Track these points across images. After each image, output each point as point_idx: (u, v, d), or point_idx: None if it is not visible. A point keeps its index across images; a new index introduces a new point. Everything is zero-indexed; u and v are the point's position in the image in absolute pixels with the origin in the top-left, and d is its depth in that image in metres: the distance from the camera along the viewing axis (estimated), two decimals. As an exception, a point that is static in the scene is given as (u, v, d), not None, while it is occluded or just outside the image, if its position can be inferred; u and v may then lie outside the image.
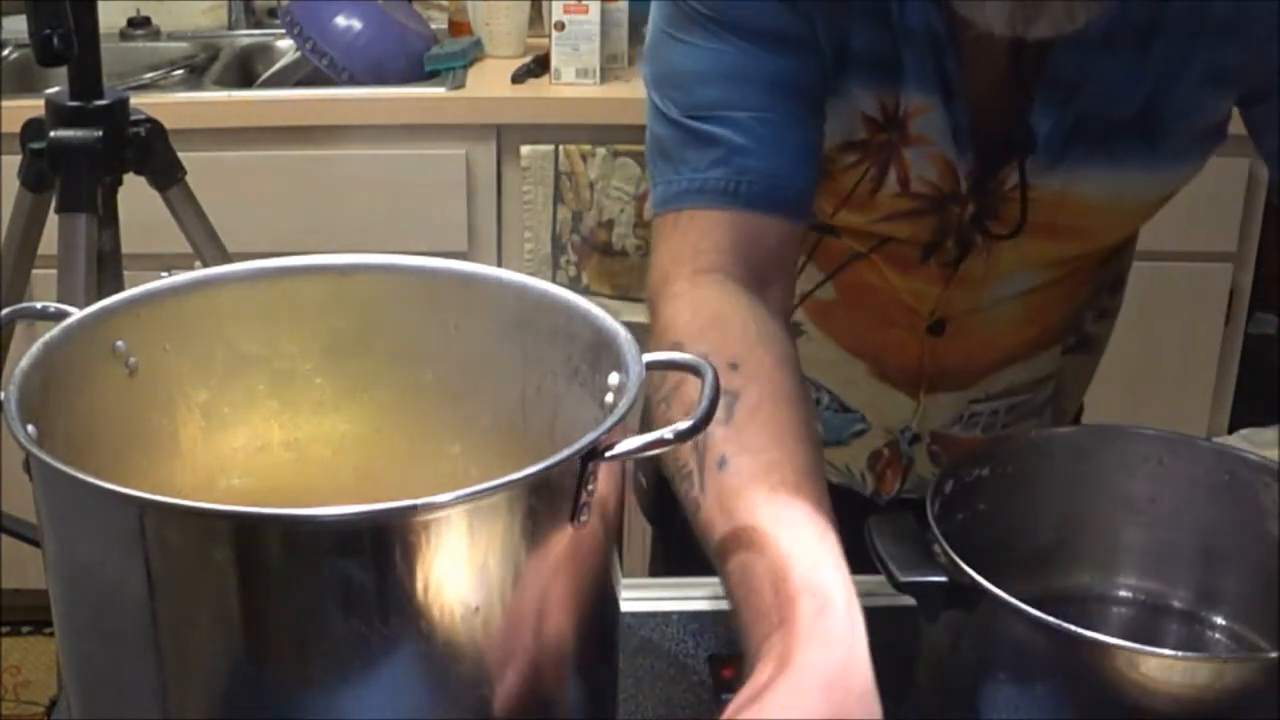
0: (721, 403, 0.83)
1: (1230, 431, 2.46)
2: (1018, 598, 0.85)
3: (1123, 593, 1.04)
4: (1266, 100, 1.03)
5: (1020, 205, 1.03)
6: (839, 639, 0.75)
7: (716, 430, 0.88)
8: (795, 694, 0.73)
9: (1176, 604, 1.03)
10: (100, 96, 1.63)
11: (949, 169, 1.04)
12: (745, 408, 0.88)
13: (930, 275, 1.09)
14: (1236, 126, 2.61)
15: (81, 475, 0.69)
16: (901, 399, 1.15)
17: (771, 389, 0.90)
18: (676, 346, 0.95)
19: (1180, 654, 0.87)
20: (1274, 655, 0.85)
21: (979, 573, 0.86)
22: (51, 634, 0.85)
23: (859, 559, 0.97)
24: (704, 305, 0.96)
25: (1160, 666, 0.82)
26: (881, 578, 0.91)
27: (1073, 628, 0.83)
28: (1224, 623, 1.01)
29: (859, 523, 1.20)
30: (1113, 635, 0.84)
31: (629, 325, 0.85)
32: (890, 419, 1.16)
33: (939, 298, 1.09)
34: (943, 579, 0.87)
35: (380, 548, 0.69)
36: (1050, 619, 0.83)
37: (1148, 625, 1.02)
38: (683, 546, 1.35)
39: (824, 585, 0.77)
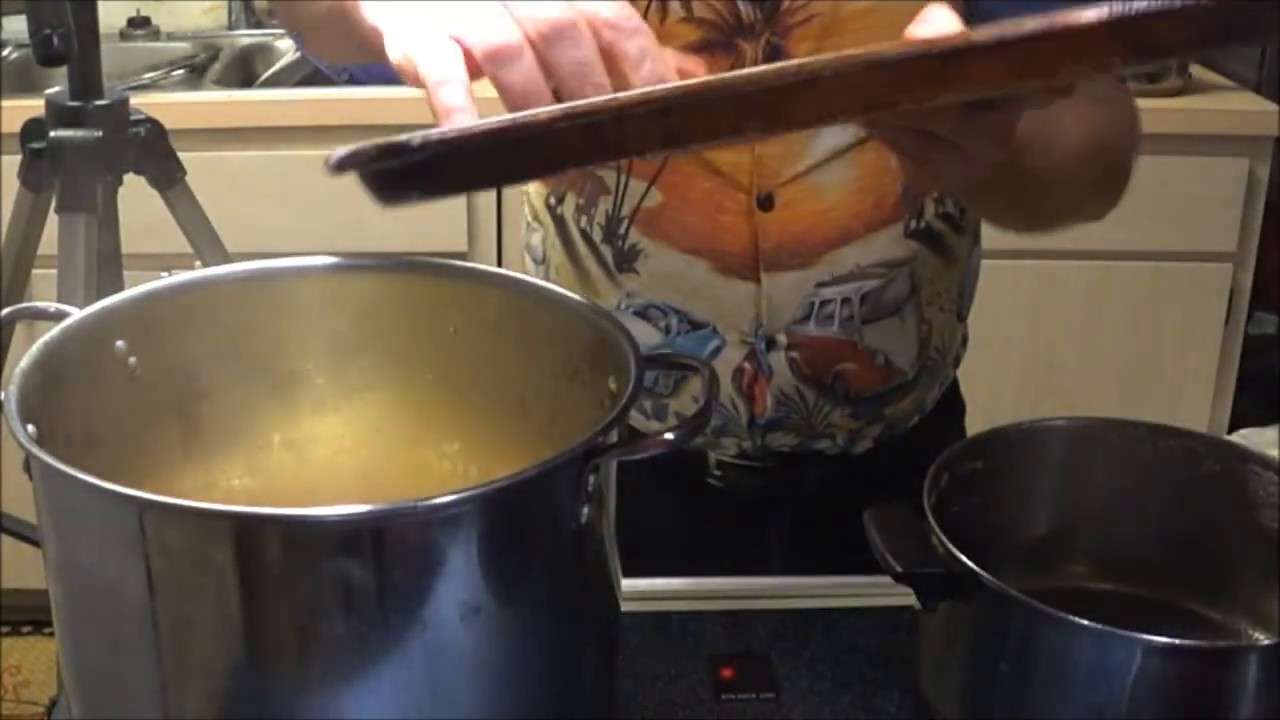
0: None
1: (1230, 431, 2.47)
2: (1014, 588, 0.85)
3: (1117, 583, 1.04)
4: None
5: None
6: None
7: None
8: None
9: (1169, 593, 1.03)
10: (100, 96, 1.63)
11: None
12: None
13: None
14: (1236, 127, 2.61)
15: (81, 475, 0.69)
16: (744, 288, 1.12)
17: None
18: None
19: (1174, 642, 0.88)
20: (1265, 643, 0.85)
21: (975, 564, 0.86)
22: (51, 634, 0.85)
23: (850, 556, 0.98)
24: None
25: (1155, 654, 0.83)
26: (879, 577, 0.91)
27: (1069, 616, 0.83)
28: (1216, 612, 1.02)
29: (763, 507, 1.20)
30: (1108, 624, 0.85)
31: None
32: (739, 319, 1.13)
33: (755, 162, 1.09)
34: (940, 570, 0.88)
35: (380, 548, 0.69)
36: (1047, 608, 0.84)
37: (1141, 614, 1.02)
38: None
39: None
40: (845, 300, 1.13)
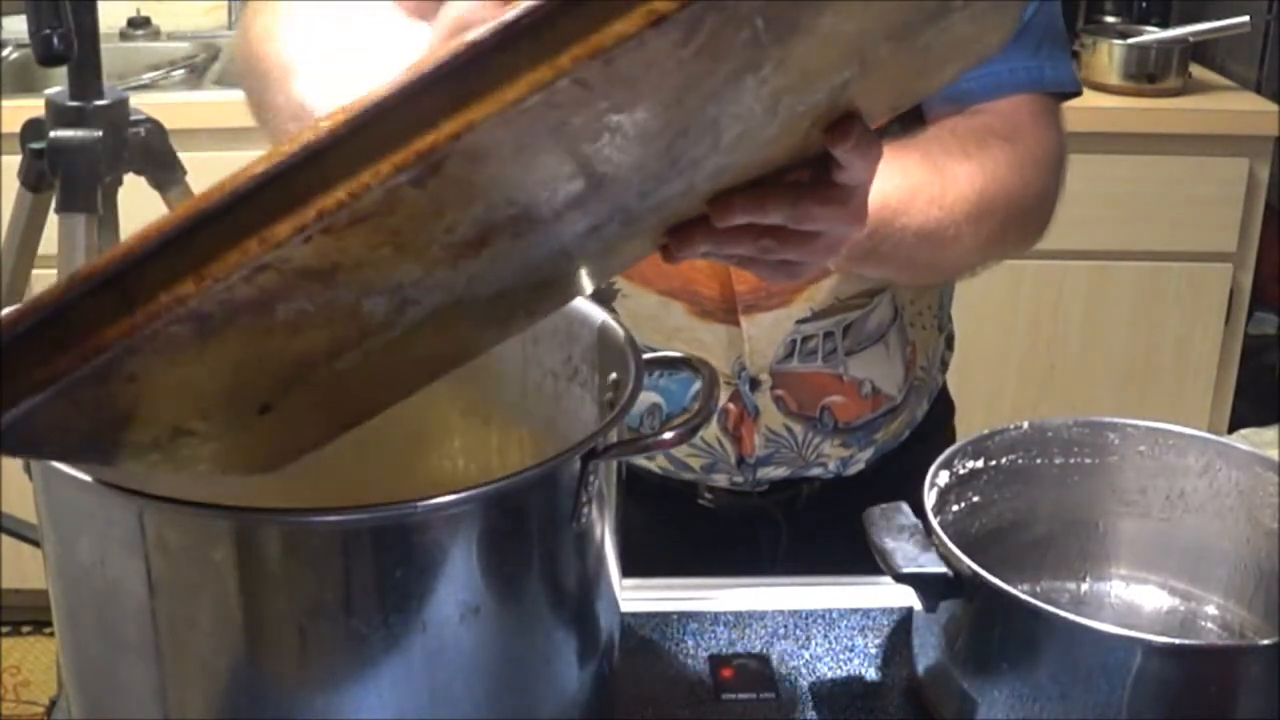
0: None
1: (1230, 431, 2.47)
2: (1014, 588, 0.85)
3: (1116, 582, 1.04)
4: None
5: None
6: None
7: None
8: None
9: (1169, 593, 1.03)
10: (100, 96, 1.64)
11: None
12: None
13: None
14: (1236, 127, 2.61)
15: (81, 475, 0.69)
16: (725, 332, 1.11)
17: None
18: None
19: (1174, 642, 0.88)
20: (1265, 643, 0.85)
21: (975, 564, 0.86)
22: (51, 634, 0.85)
23: (840, 556, 0.98)
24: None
25: (1155, 654, 0.83)
26: (879, 577, 0.91)
27: (1069, 615, 0.83)
28: (1215, 611, 1.02)
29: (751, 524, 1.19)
30: (1107, 624, 0.85)
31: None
32: (721, 361, 1.11)
33: None
34: (940, 570, 0.88)
35: (380, 548, 0.69)
36: (1047, 607, 0.84)
37: (1142, 614, 1.03)
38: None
39: None
40: (828, 334, 1.12)
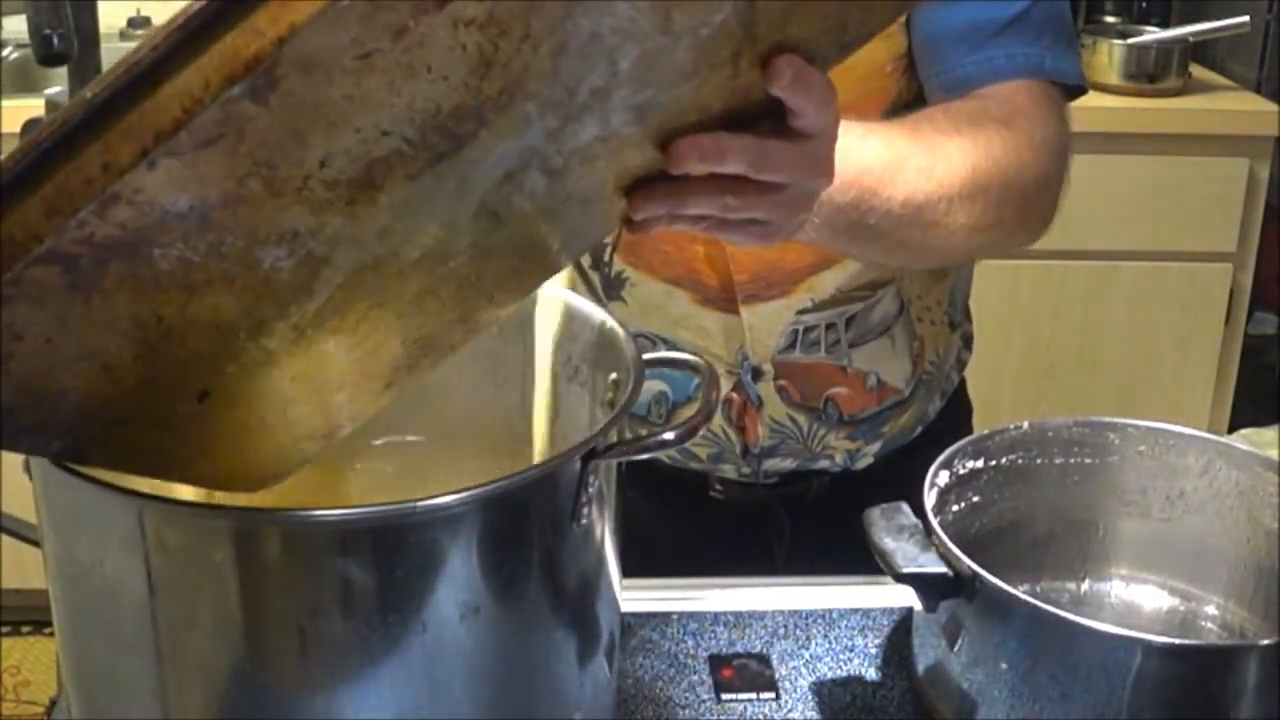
0: None
1: (1230, 431, 2.47)
2: (1014, 588, 0.85)
3: (1116, 582, 1.05)
4: None
5: None
6: None
7: None
8: None
9: (1169, 593, 1.03)
10: (100, 96, 1.63)
11: None
12: None
13: None
14: (1236, 127, 2.61)
15: (81, 475, 0.69)
16: (725, 320, 1.11)
17: None
18: None
19: (1174, 641, 0.88)
20: (1265, 643, 0.85)
21: (975, 564, 0.86)
22: (51, 634, 0.85)
23: (855, 562, 0.98)
24: None
25: (1155, 654, 0.83)
26: (879, 577, 0.91)
27: (1069, 615, 0.84)
28: (1215, 611, 1.02)
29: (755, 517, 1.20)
30: (1107, 624, 0.85)
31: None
32: (723, 350, 1.11)
33: None
34: (940, 570, 0.88)
35: (380, 548, 0.69)
36: (1047, 607, 0.84)
37: (1141, 614, 1.03)
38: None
39: None
40: (830, 325, 1.12)
